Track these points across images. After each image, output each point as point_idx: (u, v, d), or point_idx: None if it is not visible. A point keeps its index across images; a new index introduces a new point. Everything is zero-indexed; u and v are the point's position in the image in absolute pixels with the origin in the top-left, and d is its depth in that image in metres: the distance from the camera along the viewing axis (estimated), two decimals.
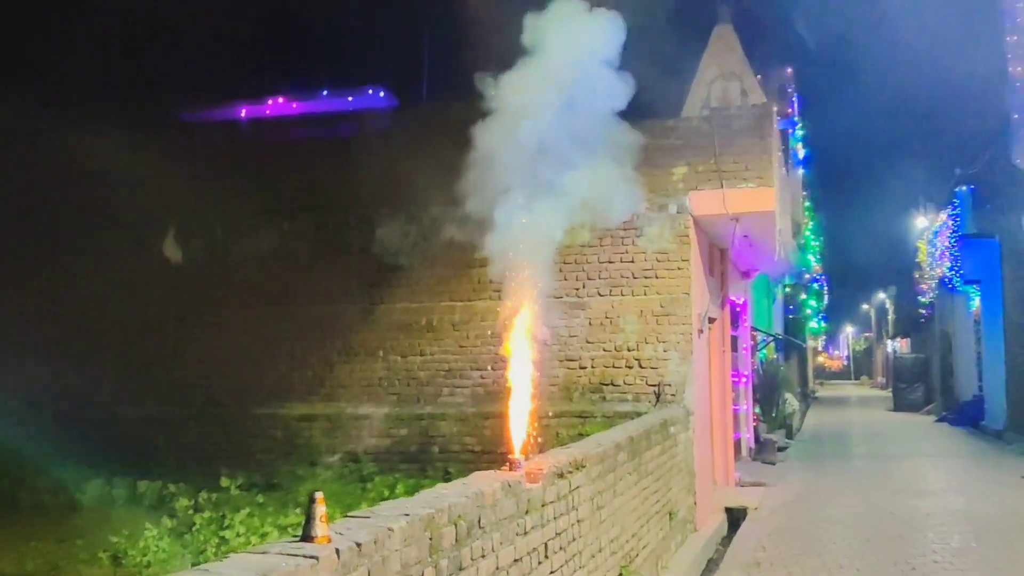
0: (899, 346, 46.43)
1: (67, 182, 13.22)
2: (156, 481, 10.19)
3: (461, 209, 11.36)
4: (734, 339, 15.15)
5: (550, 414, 10.45)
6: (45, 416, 12.28)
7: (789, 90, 20.51)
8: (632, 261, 10.93)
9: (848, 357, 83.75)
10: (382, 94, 15.88)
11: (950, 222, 25.29)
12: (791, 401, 23.53)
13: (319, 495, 3.09)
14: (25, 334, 12.94)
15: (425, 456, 11.25)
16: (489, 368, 11.06)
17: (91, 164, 13.28)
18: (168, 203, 12.77)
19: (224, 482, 10.09)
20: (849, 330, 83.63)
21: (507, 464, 5.03)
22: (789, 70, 20.20)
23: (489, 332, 11.08)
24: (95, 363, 12.57)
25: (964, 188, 23.66)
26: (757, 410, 18.84)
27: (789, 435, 21.63)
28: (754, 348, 19.67)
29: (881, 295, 56.95)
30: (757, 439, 17.87)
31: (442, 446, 11.23)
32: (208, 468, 10.91)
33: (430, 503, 3.94)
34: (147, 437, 12.04)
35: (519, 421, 5.28)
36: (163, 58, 19.84)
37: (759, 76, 14.48)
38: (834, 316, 73.20)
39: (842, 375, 78.80)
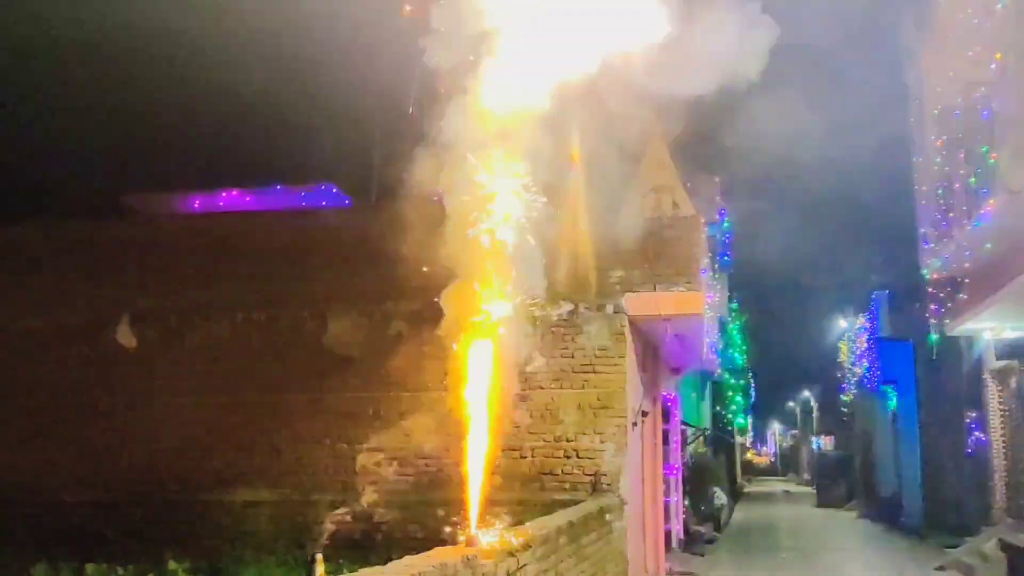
0: (824, 443, 47.70)
1: (21, 267, 13.57)
2: (102, 565, 10.34)
3: (411, 304, 12.03)
4: (665, 433, 15.86)
5: (491, 501, 10.92)
6: None
7: (718, 197, 21.79)
8: (572, 357, 11.64)
9: (775, 454, 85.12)
10: (334, 190, 16.55)
11: (868, 325, 26.69)
12: (720, 495, 24.20)
13: (319, 556, 3.63)
14: None
15: (369, 543, 11.57)
16: (434, 457, 11.53)
17: (45, 251, 13.68)
18: (123, 291, 13.17)
19: (171, 566, 10.30)
20: (777, 427, 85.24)
21: (465, 541, 5.58)
22: (717, 179, 21.52)
23: (434, 423, 11.59)
24: (44, 447, 12.74)
25: (881, 293, 25.12)
26: (687, 502, 19.44)
27: (717, 528, 22.25)
28: (684, 442, 20.39)
29: (806, 393, 58.55)
30: (686, 531, 18.44)
31: (386, 533, 11.59)
32: (154, 553, 11.08)
33: (402, 571, 4.47)
34: (94, 522, 12.17)
35: (474, 503, 5.84)
36: (118, 148, 20.27)
37: (688, 183, 15.50)
38: (762, 414, 74.83)
39: (770, 471, 79.89)
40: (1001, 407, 16.13)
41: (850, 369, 31.39)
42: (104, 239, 13.59)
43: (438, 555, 5.15)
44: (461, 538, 5.80)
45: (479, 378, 5.84)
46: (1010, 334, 15.30)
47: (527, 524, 7.33)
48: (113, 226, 13.92)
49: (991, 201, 12.03)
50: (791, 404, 71.12)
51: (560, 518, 7.98)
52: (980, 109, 12.76)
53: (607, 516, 9.99)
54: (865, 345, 27.06)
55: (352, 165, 17.48)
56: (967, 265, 14.02)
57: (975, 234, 13.02)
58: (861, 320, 28.27)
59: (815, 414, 52.67)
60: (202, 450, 12.45)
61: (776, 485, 57.90)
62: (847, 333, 31.63)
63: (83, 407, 12.90)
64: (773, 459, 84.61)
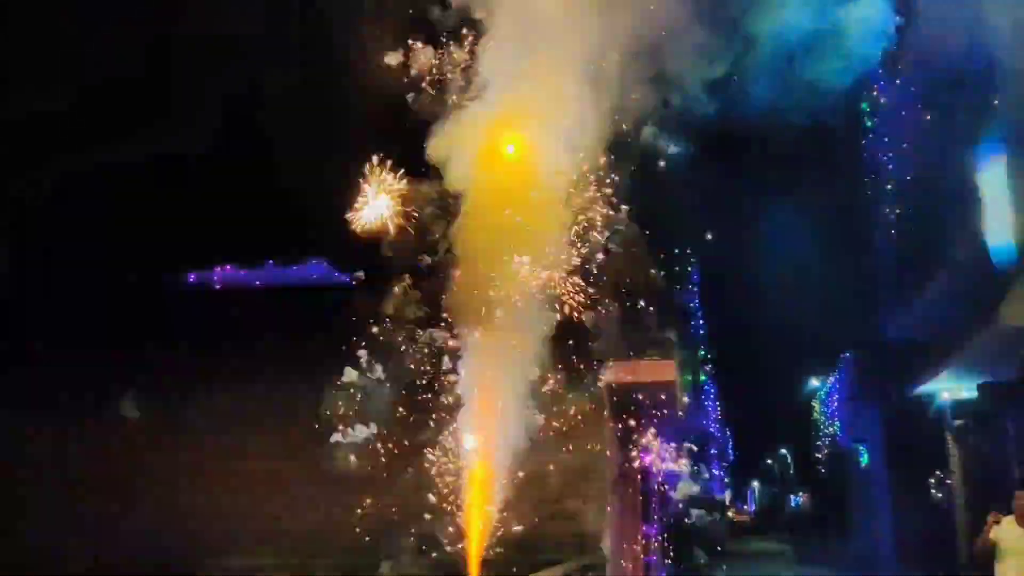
0: (801, 500, 48.27)
1: None
2: None
3: (403, 376, 12.75)
4: (646, 493, 16.55)
5: (482, 561, 11.57)
6: None
7: (690, 266, 22.73)
8: (555, 422, 12.37)
9: (755, 511, 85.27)
10: (325, 266, 17.29)
11: (838, 385, 27.59)
12: (700, 553, 24.78)
13: None
14: None
15: None
16: (426, 520, 12.16)
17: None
18: (129, 368, 13.80)
19: None
20: (756, 485, 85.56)
21: None
22: (689, 250, 22.48)
23: (426, 488, 12.26)
24: (44, 520, 13.24)
25: (848, 354, 26.04)
26: (668, 561, 20.03)
27: None
28: (665, 501, 21.05)
29: (783, 450, 59.23)
30: None
31: None
32: None
33: None
34: None
35: (472, 558, 6.58)
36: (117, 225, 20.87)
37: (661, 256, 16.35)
38: (741, 472, 75.26)
39: (750, 529, 79.96)
40: (961, 464, 16.95)
41: (823, 427, 32.21)
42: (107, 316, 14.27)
43: None
44: None
45: (475, 448, 6.61)
46: (966, 395, 16.19)
47: None
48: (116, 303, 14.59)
49: (940, 273, 13.05)
50: (770, 462, 71.67)
51: (547, 574, 8.67)
52: (928, 188, 13.84)
53: (590, 574, 10.68)
54: (836, 404, 27.93)
55: (341, 242, 18.19)
56: (922, 331, 14.97)
57: (927, 303, 14.00)
58: (831, 379, 29.18)
59: (792, 472, 53.32)
60: (203, 517, 12.98)
61: (756, 543, 58.16)
62: (819, 393, 32.51)
63: (88, 478, 13.45)
64: (753, 517, 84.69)
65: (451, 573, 10.61)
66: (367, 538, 12.39)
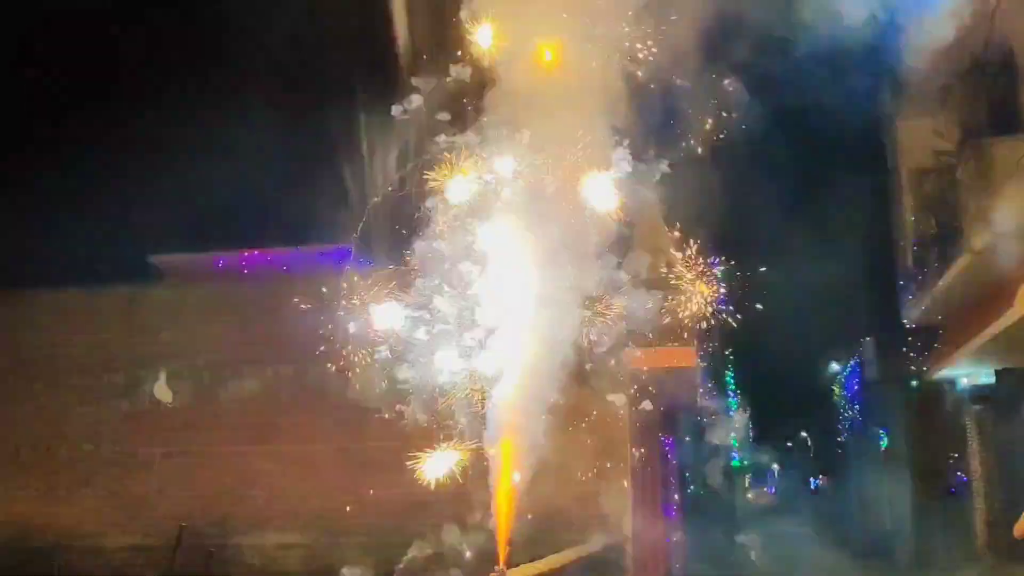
0: (820, 483, 48.39)
1: (65, 328, 14.59)
2: None
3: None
4: (665, 475, 16.82)
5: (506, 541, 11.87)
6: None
7: (711, 255, 22.76)
8: (576, 406, 12.63)
9: (774, 492, 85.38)
10: (351, 250, 17.55)
11: (858, 368, 27.68)
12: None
13: None
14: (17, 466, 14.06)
15: None
16: (450, 502, 12.47)
17: (88, 313, 14.72)
18: (159, 350, 14.19)
19: None
20: (776, 467, 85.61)
21: (494, 572, 6.59)
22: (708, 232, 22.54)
23: (452, 471, 12.55)
24: (86, 496, 13.71)
25: (869, 338, 26.11)
26: (687, 541, 20.32)
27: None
28: (683, 483, 21.33)
29: (804, 433, 59.28)
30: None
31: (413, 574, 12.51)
32: None
33: None
34: (134, 565, 13.14)
35: (501, 538, 6.86)
36: (144, 209, 21.26)
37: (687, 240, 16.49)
38: (761, 455, 75.15)
39: (770, 511, 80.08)
40: (979, 450, 17.08)
41: (843, 411, 32.30)
42: (141, 301, 14.67)
43: None
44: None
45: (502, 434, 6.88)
46: (985, 380, 16.32)
47: (543, 559, 8.34)
48: (149, 289, 15.00)
49: (959, 259, 13.17)
50: (790, 445, 71.69)
51: (571, 554, 8.98)
52: (947, 174, 13.95)
53: (612, 554, 10.98)
54: (856, 388, 28.04)
55: (361, 226, 18.43)
56: (941, 317, 15.11)
57: (947, 288, 14.13)
58: (852, 364, 29.26)
59: (812, 455, 53.43)
60: (235, 496, 13.42)
61: (776, 524, 58.30)
62: (839, 376, 32.59)
63: (123, 458, 13.91)
64: (773, 499, 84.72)
65: (478, 553, 10.95)
66: (392, 519, 12.75)
